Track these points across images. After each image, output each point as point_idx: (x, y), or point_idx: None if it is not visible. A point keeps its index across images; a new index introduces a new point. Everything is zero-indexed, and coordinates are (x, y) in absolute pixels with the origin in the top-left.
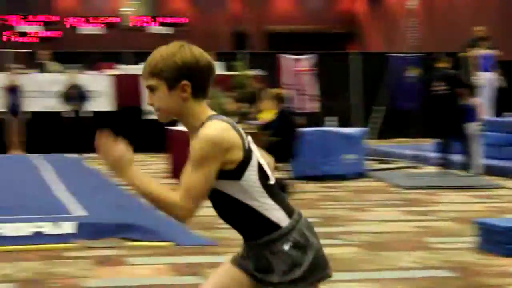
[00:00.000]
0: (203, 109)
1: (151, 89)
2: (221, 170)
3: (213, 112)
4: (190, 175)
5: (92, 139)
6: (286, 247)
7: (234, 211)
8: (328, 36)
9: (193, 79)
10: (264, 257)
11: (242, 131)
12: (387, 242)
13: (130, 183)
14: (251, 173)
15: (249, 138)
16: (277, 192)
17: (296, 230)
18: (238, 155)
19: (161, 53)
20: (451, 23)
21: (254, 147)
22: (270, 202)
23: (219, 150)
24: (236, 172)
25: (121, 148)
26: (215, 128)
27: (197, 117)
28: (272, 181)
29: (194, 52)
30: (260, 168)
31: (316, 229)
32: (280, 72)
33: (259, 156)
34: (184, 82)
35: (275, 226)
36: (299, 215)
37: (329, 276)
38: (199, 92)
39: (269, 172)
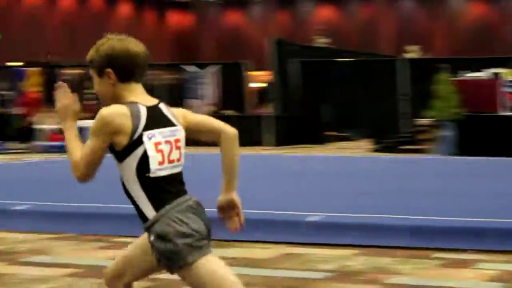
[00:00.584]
0: (131, 93)
1: (90, 78)
2: (112, 147)
3: (138, 99)
4: (86, 144)
5: None
6: (151, 237)
7: (126, 193)
8: None
9: (116, 67)
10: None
11: (145, 122)
12: None
13: (64, 133)
14: (131, 161)
15: (163, 131)
16: (157, 185)
17: (160, 222)
18: (123, 140)
19: (95, 46)
20: None
21: (155, 140)
22: (140, 193)
23: (105, 129)
24: (120, 154)
25: (71, 98)
26: (110, 110)
27: (123, 100)
28: (153, 174)
29: (115, 43)
30: (143, 160)
31: None
32: None
33: (154, 150)
34: (108, 70)
35: (145, 217)
36: (172, 205)
37: (190, 264)
38: (125, 78)
39: (154, 166)
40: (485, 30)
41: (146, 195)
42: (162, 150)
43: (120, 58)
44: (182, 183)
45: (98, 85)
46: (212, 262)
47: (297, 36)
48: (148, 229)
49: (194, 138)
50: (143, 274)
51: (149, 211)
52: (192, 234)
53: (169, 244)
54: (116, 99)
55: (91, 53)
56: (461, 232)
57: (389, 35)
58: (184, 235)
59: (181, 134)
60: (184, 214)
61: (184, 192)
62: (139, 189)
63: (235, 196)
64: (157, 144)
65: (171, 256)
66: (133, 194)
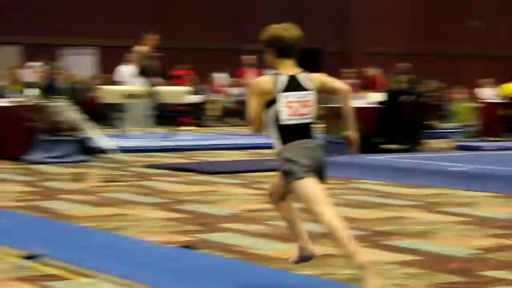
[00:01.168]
0: (282, 66)
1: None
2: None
3: (285, 71)
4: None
5: None
6: (279, 161)
7: (270, 132)
8: None
9: (273, 47)
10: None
11: (284, 86)
12: None
13: None
14: (271, 112)
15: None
16: (286, 129)
17: (282, 152)
18: (267, 98)
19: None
20: None
21: (288, 99)
22: (275, 134)
23: (254, 91)
24: (266, 107)
25: None
26: (258, 79)
27: (277, 71)
28: (283, 122)
29: (273, 30)
30: (278, 112)
31: None
32: None
33: (285, 106)
34: (269, 49)
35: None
36: (293, 143)
37: (296, 180)
38: (280, 55)
39: (283, 117)
40: None
41: (278, 136)
42: (292, 106)
43: (274, 41)
44: (307, 130)
45: (269, 59)
46: (310, 184)
47: None
48: (277, 156)
49: (326, 92)
50: (283, 189)
51: (278, 145)
52: (299, 162)
53: (285, 165)
54: (275, 69)
55: (260, 37)
56: None
57: None
58: (294, 161)
59: (311, 96)
60: (300, 150)
61: (307, 137)
62: (275, 131)
63: (353, 132)
64: (289, 102)
65: (286, 173)
66: (271, 133)
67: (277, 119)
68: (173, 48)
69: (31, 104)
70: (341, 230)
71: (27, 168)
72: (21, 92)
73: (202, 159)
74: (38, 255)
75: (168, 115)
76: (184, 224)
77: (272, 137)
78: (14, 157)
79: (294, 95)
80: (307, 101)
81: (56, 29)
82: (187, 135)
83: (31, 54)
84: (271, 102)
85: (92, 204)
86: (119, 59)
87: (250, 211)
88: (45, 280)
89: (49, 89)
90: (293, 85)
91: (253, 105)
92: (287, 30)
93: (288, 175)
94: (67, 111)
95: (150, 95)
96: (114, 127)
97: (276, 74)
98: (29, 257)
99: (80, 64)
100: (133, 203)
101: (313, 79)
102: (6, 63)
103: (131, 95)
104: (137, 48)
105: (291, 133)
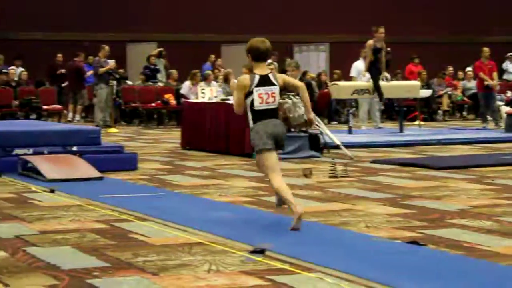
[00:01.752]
0: (257, 68)
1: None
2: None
3: (258, 72)
4: (233, 96)
5: None
6: (250, 134)
7: (246, 115)
8: None
9: (250, 54)
10: None
11: (256, 83)
12: None
13: None
14: (248, 101)
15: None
16: (257, 113)
17: (253, 127)
18: (246, 90)
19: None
20: None
21: (260, 92)
22: (250, 116)
23: (239, 86)
24: (245, 97)
25: None
26: (241, 77)
27: (253, 71)
28: (256, 108)
29: (251, 41)
30: (252, 101)
31: None
32: None
33: (257, 96)
34: (248, 55)
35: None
36: (261, 122)
37: (258, 152)
38: (255, 59)
39: (256, 104)
40: None
41: (252, 117)
42: (263, 97)
43: (252, 50)
44: (273, 113)
45: (249, 62)
46: (267, 156)
47: None
48: (250, 131)
49: (288, 88)
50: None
51: (251, 124)
52: (262, 138)
53: (253, 138)
54: (252, 71)
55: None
56: None
57: None
58: (259, 135)
59: (276, 90)
60: (265, 125)
61: (272, 118)
62: (250, 114)
63: (310, 116)
64: (260, 94)
65: (253, 144)
66: (248, 116)
67: (252, 105)
68: (402, 43)
69: None
70: (285, 190)
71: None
72: None
73: (431, 154)
74: (264, 249)
75: (398, 110)
76: (411, 220)
77: (248, 118)
78: (243, 153)
79: (263, 89)
80: (273, 93)
81: (289, 27)
82: (416, 130)
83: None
84: (248, 94)
85: (320, 199)
86: (350, 55)
87: (479, 206)
88: (271, 274)
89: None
90: (263, 82)
91: (238, 96)
92: (263, 42)
93: (254, 147)
94: (299, 107)
95: (379, 90)
96: (344, 123)
97: (253, 73)
98: (255, 251)
99: (312, 60)
100: (360, 198)
101: (278, 78)
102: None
103: (361, 91)
104: (369, 42)
105: (261, 115)
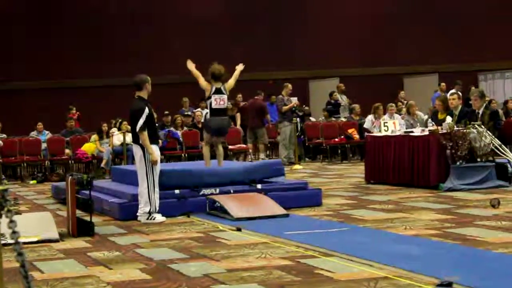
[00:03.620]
0: (215, 83)
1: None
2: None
3: (216, 86)
4: None
5: None
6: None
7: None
8: None
9: (211, 75)
10: None
11: (213, 92)
12: None
13: None
14: (208, 103)
15: None
16: (214, 111)
17: (207, 120)
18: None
19: None
20: None
21: (215, 97)
22: (209, 112)
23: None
24: (206, 100)
25: None
26: (205, 87)
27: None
28: (213, 107)
29: (212, 67)
30: (211, 103)
31: None
32: None
33: (214, 100)
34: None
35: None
36: (213, 117)
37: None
38: (213, 79)
39: (213, 105)
40: None
41: (210, 113)
42: (217, 101)
43: (211, 72)
44: (223, 112)
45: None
46: (207, 148)
47: None
48: (205, 122)
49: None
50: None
51: (208, 116)
52: (209, 132)
53: (205, 128)
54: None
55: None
56: None
57: None
58: (208, 126)
59: (225, 96)
60: (215, 120)
61: (223, 115)
62: (209, 111)
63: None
64: (216, 98)
65: (204, 131)
66: (208, 112)
67: (210, 105)
68: None
69: (450, 131)
70: (206, 155)
71: (443, 196)
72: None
73: None
74: (452, 282)
75: None
76: None
77: (207, 113)
78: (429, 186)
79: (218, 96)
80: (223, 99)
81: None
82: None
83: (447, 80)
84: (208, 98)
85: (508, 229)
86: None
87: None
88: None
89: (471, 115)
90: (217, 91)
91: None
92: (218, 68)
93: (204, 134)
94: (484, 136)
95: None
96: None
97: (212, 86)
98: (442, 285)
99: (496, 87)
100: None
101: (226, 88)
102: (424, 94)
103: None
104: None
105: (215, 112)
